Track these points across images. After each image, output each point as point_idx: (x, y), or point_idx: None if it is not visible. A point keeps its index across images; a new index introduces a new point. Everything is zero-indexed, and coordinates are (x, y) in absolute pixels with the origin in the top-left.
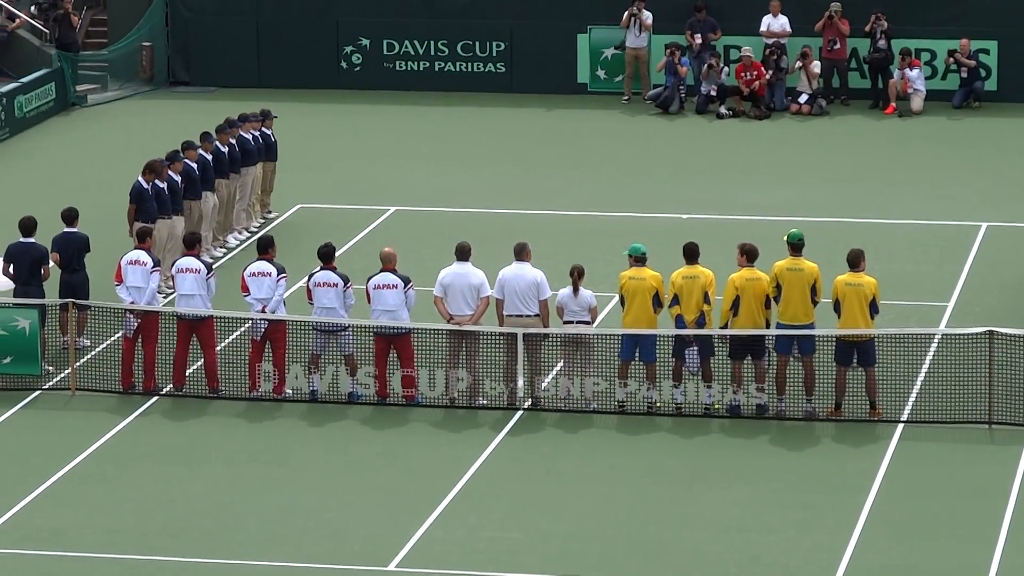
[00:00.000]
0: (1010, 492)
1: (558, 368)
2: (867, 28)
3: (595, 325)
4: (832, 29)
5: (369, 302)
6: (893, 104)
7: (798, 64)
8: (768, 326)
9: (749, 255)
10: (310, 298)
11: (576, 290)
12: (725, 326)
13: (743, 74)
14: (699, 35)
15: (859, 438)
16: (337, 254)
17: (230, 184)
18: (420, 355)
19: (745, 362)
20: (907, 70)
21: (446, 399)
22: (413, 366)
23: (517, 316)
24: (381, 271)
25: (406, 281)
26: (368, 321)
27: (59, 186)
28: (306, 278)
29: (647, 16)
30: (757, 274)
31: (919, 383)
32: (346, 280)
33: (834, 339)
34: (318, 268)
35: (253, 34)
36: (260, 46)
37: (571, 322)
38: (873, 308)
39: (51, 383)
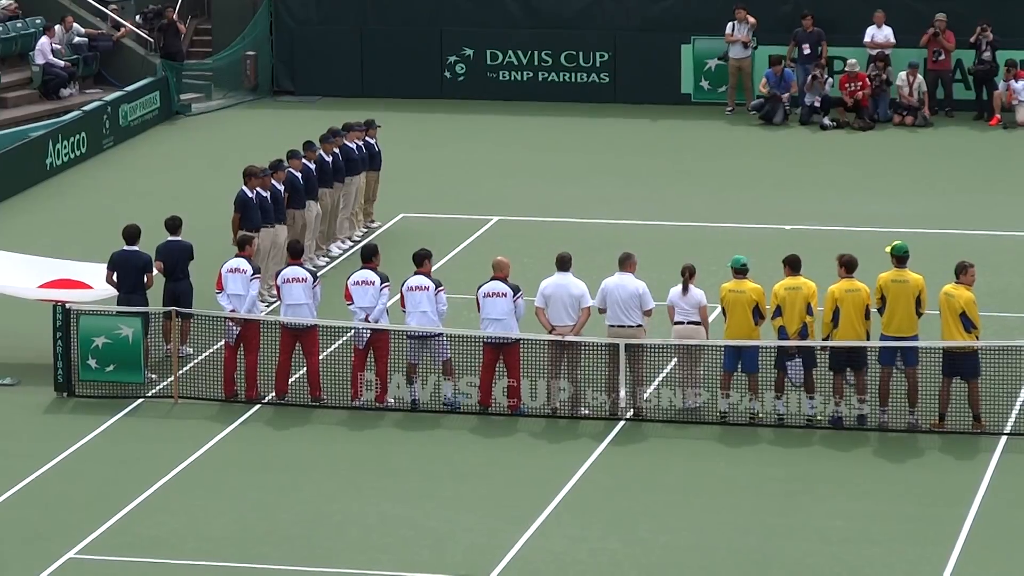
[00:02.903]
0: None
1: (660, 378)
2: (972, 39)
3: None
4: (937, 41)
5: (479, 310)
6: (998, 115)
7: (905, 76)
8: (869, 337)
9: (848, 266)
10: (403, 304)
11: (686, 288)
12: (827, 338)
13: (847, 85)
14: (806, 44)
15: (962, 450)
16: (440, 263)
17: (334, 193)
18: (522, 365)
19: (846, 373)
20: (1012, 81)
21: (548, 409)
22: (519, 376)
23: (619, 327)
24: (492, 279)
25: (515, 290)
26: (472, 331)
27: (163, 195)
28: (402, 284)
29: (744, 31)
30: (856, 285)
31: (1023, 396)
32: (438, 284)
33: (940, 351)
34: (412, 272)
35: (357, 44)
36: (364, 56)
37: (681, 322)
38: (964, 321)
39: (154, 391)
